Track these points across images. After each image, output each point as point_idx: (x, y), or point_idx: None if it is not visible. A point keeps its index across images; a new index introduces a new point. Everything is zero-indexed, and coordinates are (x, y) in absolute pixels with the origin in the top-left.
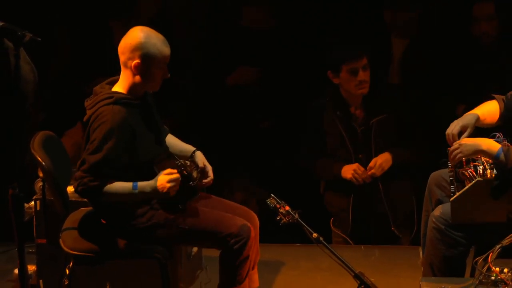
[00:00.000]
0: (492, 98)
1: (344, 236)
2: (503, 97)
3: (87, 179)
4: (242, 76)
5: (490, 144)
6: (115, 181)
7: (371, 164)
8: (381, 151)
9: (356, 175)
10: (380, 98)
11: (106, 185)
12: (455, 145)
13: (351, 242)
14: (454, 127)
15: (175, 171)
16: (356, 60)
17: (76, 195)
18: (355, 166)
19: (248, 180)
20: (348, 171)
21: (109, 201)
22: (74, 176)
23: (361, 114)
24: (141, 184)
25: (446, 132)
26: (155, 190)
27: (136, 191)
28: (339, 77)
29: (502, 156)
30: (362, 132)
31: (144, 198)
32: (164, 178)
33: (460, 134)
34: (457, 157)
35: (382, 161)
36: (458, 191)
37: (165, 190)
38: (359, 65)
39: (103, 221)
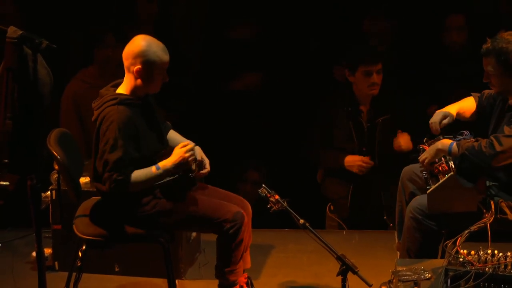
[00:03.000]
0: (470, 96)
1: (339, 221)
2: (479, 94)
3: (115, 176)
4: (246, 82)
5: (444, 142)
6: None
7: (395, 147)
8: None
9: (362, 168)
10: (386, 100)
11: (132, 176)
12: (422, 156)
13: (345, 226)
14: (436, 116)
15: (187, 142)
16: (372, 64)
17: (88, 185)
18: (361, 158)
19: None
20: (355, 162)
21: (140, 189)
22: (103, 179)
23: (368, 113)
24: (161, 163)
25: (430, 121)
26: (176, 163)
27: (160, 170)
28: (355, 76)
29: (454, 147)
30: (368, 128)
31: (168, 175)
32: (181, 150)
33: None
34: (425, 162)
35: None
36: (433, 184)
37: (185, 160)
38: (374, 69)
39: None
